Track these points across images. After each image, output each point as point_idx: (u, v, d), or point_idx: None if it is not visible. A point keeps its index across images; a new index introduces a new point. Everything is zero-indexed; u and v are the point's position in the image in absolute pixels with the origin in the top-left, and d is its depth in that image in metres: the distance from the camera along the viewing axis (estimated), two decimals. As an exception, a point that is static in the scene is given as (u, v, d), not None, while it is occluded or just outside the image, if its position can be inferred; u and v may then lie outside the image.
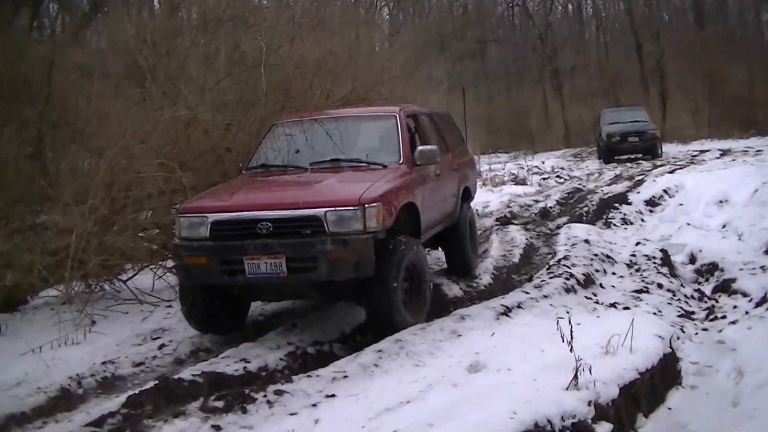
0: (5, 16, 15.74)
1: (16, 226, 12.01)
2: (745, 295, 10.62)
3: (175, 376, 7.61)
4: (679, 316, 10.04)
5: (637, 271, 12.09)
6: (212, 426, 6.48)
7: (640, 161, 34.20)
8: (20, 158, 13.12)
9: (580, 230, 14.53)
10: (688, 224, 15.94)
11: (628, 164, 33.36)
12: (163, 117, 13.01)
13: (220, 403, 6.85)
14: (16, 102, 14.17)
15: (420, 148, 10.76)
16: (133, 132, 12.62)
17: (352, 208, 8.62)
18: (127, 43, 16.67)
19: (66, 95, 14.82)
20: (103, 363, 8.99)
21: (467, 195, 13.30)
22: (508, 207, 21.13)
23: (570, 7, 67.59)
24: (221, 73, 14.90)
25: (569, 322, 6.92)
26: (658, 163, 32.62)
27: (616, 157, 35.98)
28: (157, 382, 7.58)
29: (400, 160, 10.39)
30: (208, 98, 13.86)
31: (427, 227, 10.59)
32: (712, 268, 12.20)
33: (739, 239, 13.78)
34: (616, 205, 18.39)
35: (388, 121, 11.19)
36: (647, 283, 11.34)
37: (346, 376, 7.45)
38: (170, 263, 12.86)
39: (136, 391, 7.45)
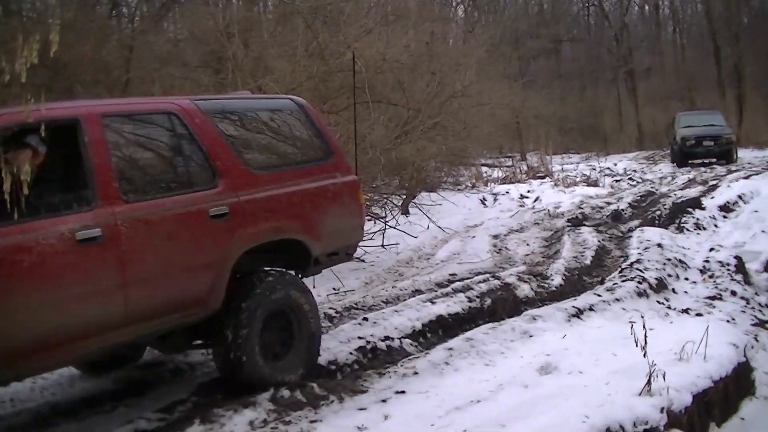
0: (88, 2, 15.97)
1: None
2: (821, 305, 10.47)
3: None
4: (753, 324, 9.89)
5: (710, 277, 11.93)
6: (281, 418, 6.52)
7: (715, 166, 33.75)
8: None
9: (653, 234, 14.39)
10: (764, 231, 15.68)
11: (702, 169, 32.93)
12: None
13: (289, 395, 6.90)
14: (96, 87, 14.38)
15: None
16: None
17: None
18: (204, 33, 16.81)
19: (144, 82, 15.01)
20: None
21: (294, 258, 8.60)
22: (580, 208, 20.98)
23: (646, 7, 66.95)
24: (299, 66, 14.93)
25: (643, 326, 6.87)
26: (733, 168, 32.19)
27: (690, 161, 35.29)
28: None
29: None
30: (285, 90, 13.90)
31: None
32: (788, 276, 12.04)
33: (816, 248, 13.57)
34: (690, 209, 18.14)
35: None
36: (721, 289, 11.19)
37: (416, 373, 7.46)
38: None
39: (207, 380, 7.52)
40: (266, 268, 7.96)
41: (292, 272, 8.36)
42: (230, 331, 7.28)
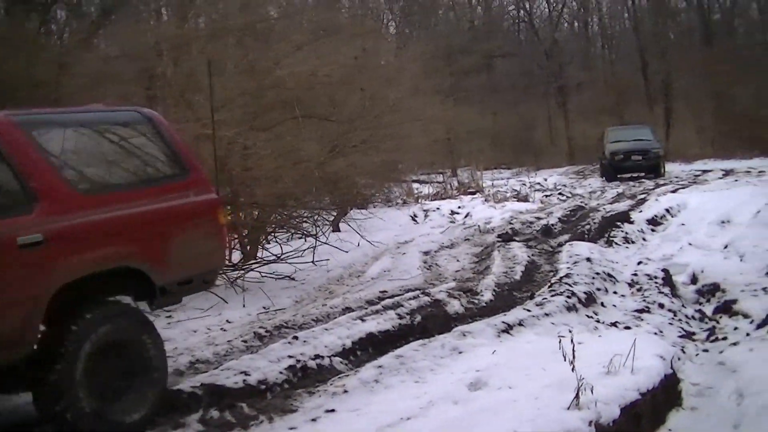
0: (17, 18, 15.82)
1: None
2: (746, 316, 10.59)
3: (175, 388, 7.59)
4: (680, 336, 10.02)
5: (638, 290, 12.06)
6: (211, 438, 6.50)
7: (643, 180, 34.16)
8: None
9: (582, 248, 14.52)
10: (690, 244, 15.92)
11: (631, 183, 33.32)
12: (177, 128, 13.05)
13: (219, 416, 6.87)
14: (26, 104, 14.22)
15: None
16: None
17: None
18: (135, 51, 16.72)
19: (75, 99, 14.88)
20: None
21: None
22: (510, 224, 21.10)
23: (576, 23, 67.71)
24: (230, 83, 14.89)
25: (571, 340, 6.94)
26: (661, 182, 32.61)
27: (619, 176, 35.80)
28: (156, 393, 7.55)
29: None
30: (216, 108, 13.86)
31: None
32: (714, 288, 12.17)
33: (741, 260, 13.75)
34: (619, 223, 18.35)
35: None
36: (649, 302, 11.32)
37: (346, 391, 7.45)
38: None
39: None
40: (104, 299, 7.07)
41: (131, 302, 7.30)
42: (51, 373, 6.43)
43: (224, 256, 9.30)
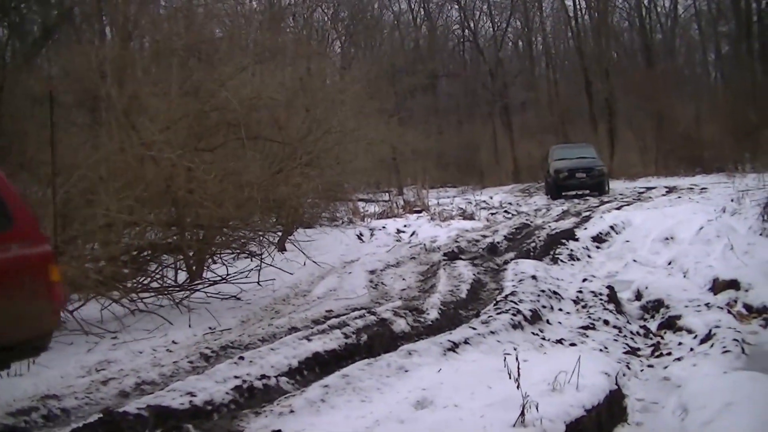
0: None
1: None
2: (690, 332, 10.67)
3: (120, 410, 7.51)
4: (625, 352, 10.06)
5: (583, 307, 12.11)
6: (157, 460, 6.45)
7: (588, 197, 34.47)
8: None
9: (527, 266, 14.58)
10: (635, 261, 16.09)
11: (576, 200, 33.57)
12: (118, 149, 13.00)
13: (166, 438, 6.83)
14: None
15: None
16: (86, 162, 12.59)
17: None
18: (78, 71, 16.60)
19: (16, 122, 14.76)
20: (47, 395, 8.90)
21: None
22: (456, 242, 21.18)
23: (520, 43, 68.25)
24: (174, 105, 14.83)
25: (516, 358, 6.98)
26: (606, 199, 32.95)
27: (564, 193, 36.11)
28: (101, 415, 7.47)
29: None
30: (159, 129, 13.79)
31: None
32: (658, 304, 12.27)
33: (685, 276, 13.92)
34: (564, 241, 18.49)
35: None
36: (594, 319, 11.37)
37: (292, 411, 7.42)
38: (117, 294, 12.85)
39: (80, 425, 7.37)
40: None
41: None
42: None
43: (58, 317, 8.32)
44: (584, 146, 40.20)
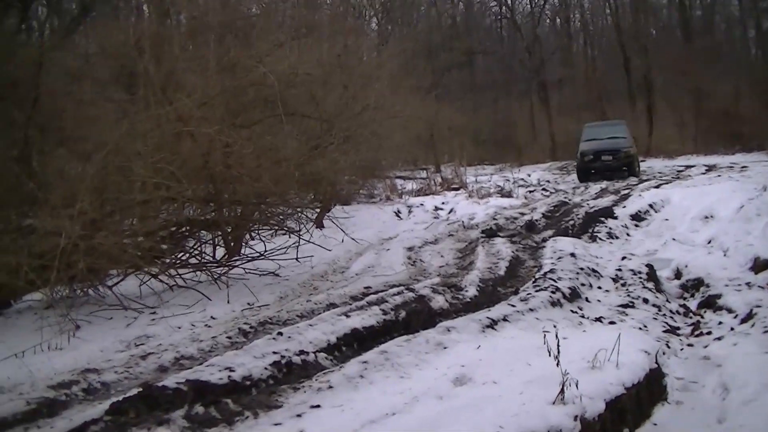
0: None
1: (2, 227, 11.98)
2: (730, 311, 10.60)
3: (159, 384, 7.52)
4: (664, 331, 9.99)
5: (622, 285, 12.04)
6: (196, 435, 6.46)
7: (626, 175, 33.88)
8: (6, 160, 13.09)
9: (566, 244, 14.52)
10: (674, 239, 15.97)
11: (614, 179, 33.20)
12: (156, 124, 13.00)
13: (204, 412, 6.83)
14: (3, 103, 14.14)
15: None
16: (123, 137, 12.61)
17: None
18: (115, 48, 16.64)
19: (54, 98, 14.80)
20: (87, 369, 8.95)
21: None
22: (494, 219, 21.15)
23: (558, 20, 67.76)
24: (211, 81, 14.82)
25: (555, 335, 6.92)
26: (644, 177, 32.62)
27: (590, 176, 34.77)
28: (140, 389, 7.49)
29: None
30: (196, 104, 13.78)
31: None
32: (698, 283, 12.21)
33: (725, 255, 13.78)
34: (602, 219, 18.39)
35: None
36: (633, 297, 11.30)
37: (331, 387, 7.40)
38: (156, 269, 12.89)
39: (120, 398, 7.39)
40: None
41: None
42: None
43: None
44: (616, 124, 38.63)
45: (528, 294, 10.92)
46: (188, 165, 13.17)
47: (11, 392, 8.28)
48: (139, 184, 12.35)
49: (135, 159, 12.37)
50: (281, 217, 15.94)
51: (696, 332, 10.08)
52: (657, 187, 26.08)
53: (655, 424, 7.33)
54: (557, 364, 6.59)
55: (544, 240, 16.68)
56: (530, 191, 30.14)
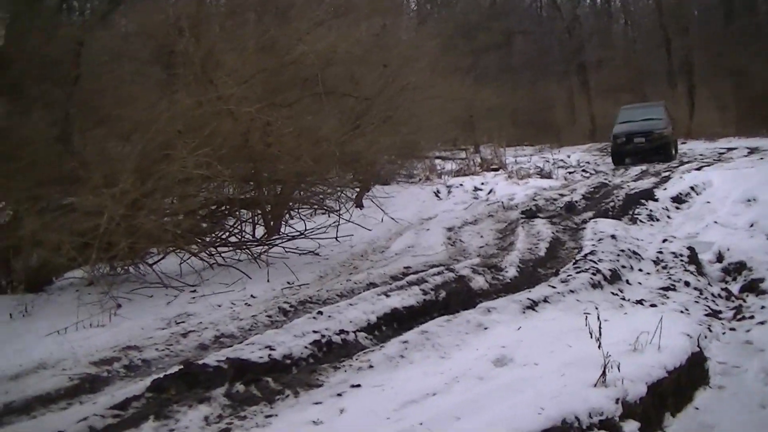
0: (34, -5, 15.75)
1: (44, 205, 12.07)
2: (773, 295, 10.53)
3: (200, 362, 7.56)
4: (706, 315, 9.91)
5: (663, 268, 11.95)
6: (237, 413, 6.47)
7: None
8: (47, 139, 13.17)
9: (606, 225, 14.45)
10: (715, 222, 15.83)
11: (654, 161, 32.87)
12: (195, 103, 13.03)
13: (244, 390, 6.86)
14: (44, 83, 14.21)
15: None
16: (163, 117, 12.65)
17: None
18: (155, 28, 16.66)
19: (94, 78, 14.86)
20: (128, 346, 9.01)
21: None
22: (534, 200, 21.11)
23: (598, 0, 67.30)
24: (250, 60, 14.83)
25: (597, 317, 6.88)
26: (685, 160, 32.31)
27: (623, 160, 33.93)
28: (181, 367, 7.54)
29: None
30: (236, 83, 13.79)
31: None
32: (740, 267, 12.10)
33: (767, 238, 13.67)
34: (643, 201, 18.28)
35: None
36: (674, 280, 11.22)
37: (371, 366, 7.42)
38: (196, 248, 12.95)
39: (161, 376, 7.43)
40: None
41: None
42: None
43: None
44: (653, 106, 37.33)
45: (568, 275, 10.89)
46: (228, 144, 13.18)
47: (54, 368, 8.36)
48: (179, 163, 12.38)
49: (175, 138, 12.40)
50: (321, 196, 15.96)
51: (738, 316, 9.99)
52: (698, 169, 25.83)
53: (697, 408, 7.29)
54: (599, 346, 6.56)
55: (584, 221, 16.60)
56: (570, 172, 30.03)
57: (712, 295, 10.94)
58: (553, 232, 15.61)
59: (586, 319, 6.98)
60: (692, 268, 11.84)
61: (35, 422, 6.93)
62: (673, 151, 34.35)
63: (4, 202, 13.00)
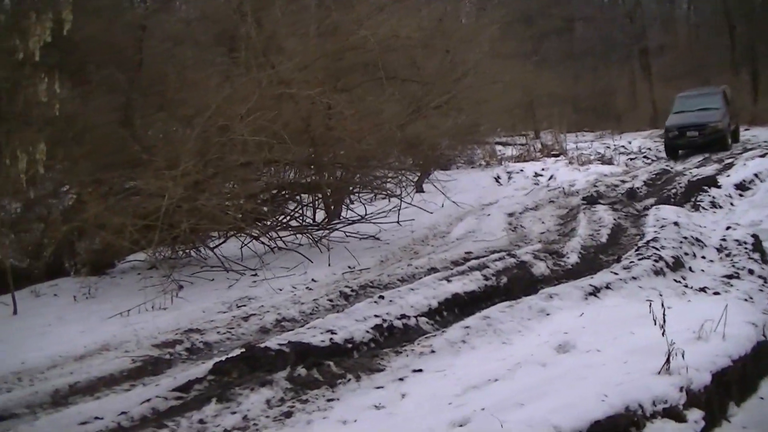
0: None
1: (108, 189, 12.19)
2: (841, 285, 10.37)
3: (262, 345, 7.60)
4: (771, 303, 9.80)
5: (727, 255, 11.80)
6: (298, 396, 6.49)
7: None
8: (111, 123, 13.29)
9: (669, 212, 14.30)
10: (780, 209, 15.63)
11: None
12: (257, 87, 13.08)
13: (306, 374, 6.87)
14: (107, 68, 14.33)
15: None
16: (225, 101, 12.72)
17: None
18: (216, 12, 16.75)
19: (156, 63, 14.96)
20: (189, 329, 9.08)
21: None
22: (595, 186, 20.97)
23: (660, -15, 66.61)
24: (312, 44, 14.86)
25: (661, 304, 6.80)
26: (749, 146, 31.83)
27: (677, 153, 31.45)
28: (243, 350, 7.59)
29: None
30: (297, 68, 13.83)
31: None
32: (806, 256, 11.94)
33: (835, 227, 13.48)
34: (705, 187, 18.05)
35: None
36: (738, 268, 11.06)
37: (433, 352, 7.42)
38: (257, 232, 13.01)
39: (223, 359, 7.48)
40: None
41: None
42: None
43: None
44: (711, 93, 34.65)
45: (631, 262, 10.78)
46: (289, 128, 13.22)
47: (117, 350, 8.45)
48: (240, 146, 12.44)
49: (236, 122, 12.46)
50: (382, 180, 15.96)
51: (805, 306, 9.84)
52: (762, 156, 25.47)
53: (762, 398, 7.20)
54: (663, 334, 6.48)
55: (646, 208, 16.46)
56: (631, 159, 29.79)
57: (777, 283, 10.78)
58: (614, 219, 15.49)
59: (649, 306, 6.91)
60: (756, 255, 11.65)
61: (99, 403, 7.00)
62: (730, 141, 32.34)
63: (69, 186, 13.15)
